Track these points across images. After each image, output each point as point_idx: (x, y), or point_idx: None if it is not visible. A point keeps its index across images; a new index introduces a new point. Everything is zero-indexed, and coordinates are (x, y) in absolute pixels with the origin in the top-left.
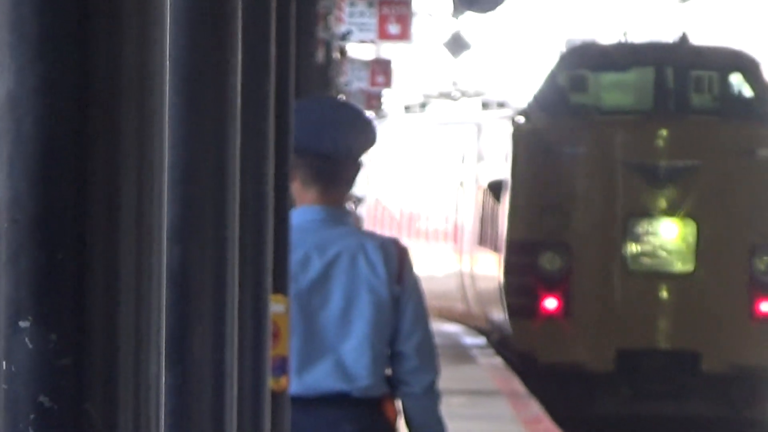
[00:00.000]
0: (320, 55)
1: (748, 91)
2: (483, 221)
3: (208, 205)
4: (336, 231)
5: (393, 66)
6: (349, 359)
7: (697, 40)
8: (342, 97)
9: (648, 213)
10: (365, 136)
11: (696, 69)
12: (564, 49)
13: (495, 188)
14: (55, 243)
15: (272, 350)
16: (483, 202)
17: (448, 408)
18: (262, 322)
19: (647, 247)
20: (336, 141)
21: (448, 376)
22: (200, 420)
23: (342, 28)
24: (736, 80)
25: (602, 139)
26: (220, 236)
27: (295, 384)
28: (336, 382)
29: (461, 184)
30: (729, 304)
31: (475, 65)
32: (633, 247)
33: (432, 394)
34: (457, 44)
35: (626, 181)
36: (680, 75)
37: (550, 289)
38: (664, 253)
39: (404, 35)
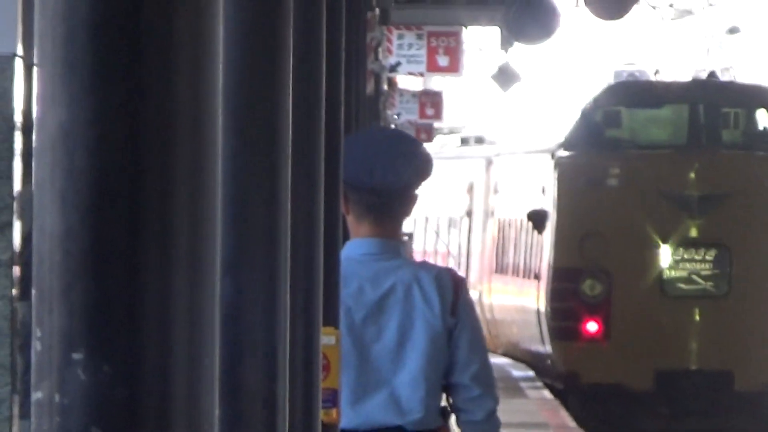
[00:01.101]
0: (369, 87)
1: None
2: (502, 250)
3: (259, 238)
4: (390, 263)
5: (443, 98)
6: (403, 392)
7: (726, 77)
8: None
9: (683, 240)
10: (418, 167)
11: (725, 106)
12: (612, 80)
13: (535, 218)
14: (108, 275)
15: (323, 382)
16: (500, 232)
17: None
18: (313, 355)
19: (683, 273)
20: (386, 174)
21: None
22: None
23: (391, 60)
24: (762, 116)
25: (640, 171)
26: (272, 269)
27: (349, 416)
28: (390, 415)
29: (468, 214)
30: (760, 326)
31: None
32: (669, 273)
33: (493, 421)
34: (505, 76)
35: (663, 210)
36: (711, 111)
37: (592, 313)
38: (698, 279)
39: (453, 67)
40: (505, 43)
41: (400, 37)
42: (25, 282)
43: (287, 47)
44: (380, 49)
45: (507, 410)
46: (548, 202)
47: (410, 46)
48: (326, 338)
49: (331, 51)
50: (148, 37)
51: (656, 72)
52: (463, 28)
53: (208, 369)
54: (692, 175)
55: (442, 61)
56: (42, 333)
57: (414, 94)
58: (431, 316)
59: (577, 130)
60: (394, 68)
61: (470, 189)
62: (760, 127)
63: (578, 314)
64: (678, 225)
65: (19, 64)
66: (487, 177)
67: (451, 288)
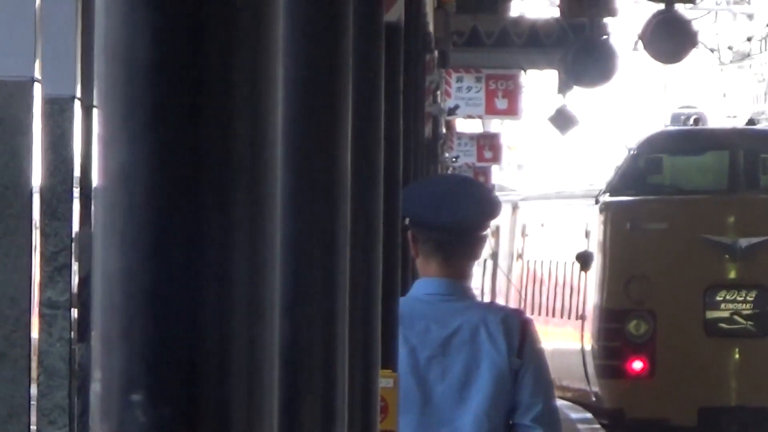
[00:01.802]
0: (427, 130)
1: None
2: (532, 291)
3: (318, 280)
4: (457, 305)
5: (501, 140)
6: None
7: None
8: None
9: (724, 282)
10: (485, 207)
11: (764, 152)
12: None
13: (582, 259)
14: (168, 316)
15: (380, 425)
16: (529, 273)
17: None
18: (371, 397)
19: (725, 314)
20: (454, 213)
21: None
22: None
23: (449, 103)
24: None
25: (682, 216)
26: (330, 311)
27: None
28: None
29: (492, 256)
30: None
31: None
32: (712, 314)
33: None
34: (563, 120)
35: (704, 254)
36: (750, 157)
37: (637, 352)
38: (740, 319)
39: (512, 110)
40: (563, 87)
41: (459, 80)
42: (83, 324)
43: (346, 90)
44: (439, 92)
45: None
46: (593, 245)
47: (469, 89)
48: (384, 381)
49: (390, 94)
50: (208, 78)
51: (695, 121)
52: (522, 71)
53: (267, 411)
54: (732, 219)
55: (501, 104)
56: (102, 374)
57: (472, 137)
58: (497, 358)
59: (622, 176)
60: (452, 111)
61: (495, 232)
62: None
63: (624, 353)
64: (719, 267)
65: (77, 106)
66: (512, 221)
67: (518, 330)
